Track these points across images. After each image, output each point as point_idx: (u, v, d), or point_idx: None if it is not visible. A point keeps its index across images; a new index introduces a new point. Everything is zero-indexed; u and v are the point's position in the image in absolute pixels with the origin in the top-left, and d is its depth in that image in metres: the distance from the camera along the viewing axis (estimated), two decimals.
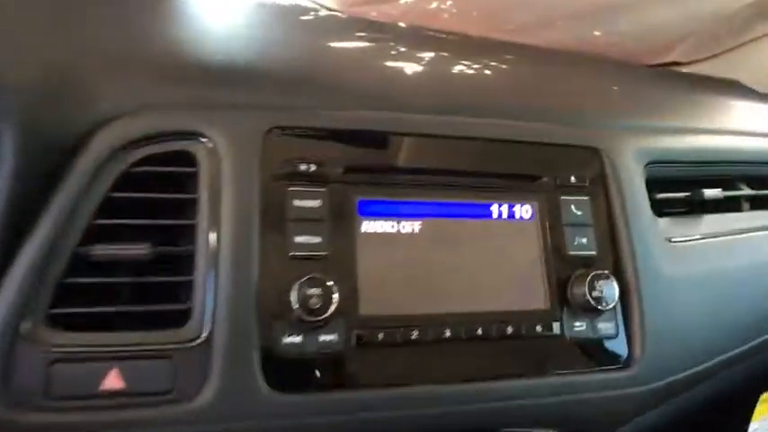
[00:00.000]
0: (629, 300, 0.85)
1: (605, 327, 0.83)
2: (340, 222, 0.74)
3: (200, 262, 0.67)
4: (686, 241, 0.94)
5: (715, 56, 1.19)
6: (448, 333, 0.79)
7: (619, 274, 0.84)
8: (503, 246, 0.81)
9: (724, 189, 0.98)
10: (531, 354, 0.80)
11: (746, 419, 1.11)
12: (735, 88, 1.19)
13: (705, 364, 0.92)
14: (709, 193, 0.97)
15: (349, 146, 0.80)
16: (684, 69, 1.21)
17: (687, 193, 0.98)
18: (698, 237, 0.95)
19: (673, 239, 0.93)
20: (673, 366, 0.88)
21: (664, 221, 0.93)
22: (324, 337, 0.70)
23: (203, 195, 0.69)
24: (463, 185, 0.83)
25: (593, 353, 0.83)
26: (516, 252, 0.82)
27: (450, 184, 0.84)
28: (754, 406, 1.11)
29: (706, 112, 1.09)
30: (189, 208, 0.68)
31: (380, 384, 0.73)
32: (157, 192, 0.67)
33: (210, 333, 0.65)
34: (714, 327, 0.93)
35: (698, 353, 0.92)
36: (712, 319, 0.93)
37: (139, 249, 0.65)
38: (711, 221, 0.98)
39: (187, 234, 0.68)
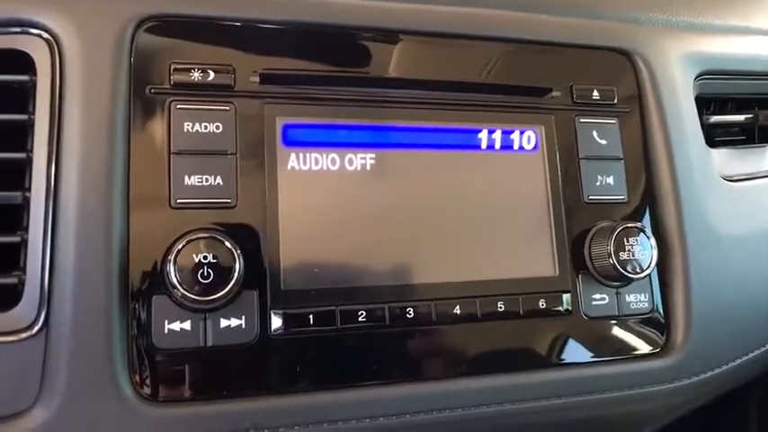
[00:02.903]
0: (670, 263, 0.68)
1: (636, 301, 0.67)
2: (253, 155, 0.57)
3: (35, 214, 0.52)
4: (748, 179, 0.78)
5: None
6: (411, 313, 0.59)
7: (657, 228, 0.68)
8: (493, 189, 0.63)
9: None
10: (532, 339, 0.63)
11: None
12: None
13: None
14: None
15: (267, 43, 0.60)
16: None
17: (749, 115, 0.83)
18: (764, 173, 0.79)
19: (731, 178, 0.76)
20: (725, 352, 0.73)
21: (719, 153, 0.77)
22: (224, 323, 0.54)
23: (41, 116, 0.53)
24: (438, 102, 0.64)
25: (619, 337, 0.66)
26: (513, 197, 0.64)
27: (419, 100, 0.63)
28: None
29: None
30: (20, 135, 0.54)
31: (312, 388, 0.57)
32: None
33: (49, 319, 0.51)
34: None
35: (759, 331, 0.77)
36: None
37: None
38: None
39: (17, 173, 0.53)
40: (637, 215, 0.68)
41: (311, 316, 0.56)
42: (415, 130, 0.62)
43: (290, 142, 0.58)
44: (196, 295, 0.52)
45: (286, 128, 0.58)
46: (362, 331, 0.57)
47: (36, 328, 0.51)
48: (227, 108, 0.57)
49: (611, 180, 0.68)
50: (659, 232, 0.68)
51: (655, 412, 0.72)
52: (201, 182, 0.55)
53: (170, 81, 0.56)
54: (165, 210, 0.54)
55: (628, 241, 0.63)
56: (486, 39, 0.66)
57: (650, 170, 0.69)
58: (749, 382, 0.88)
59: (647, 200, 0.69)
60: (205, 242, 0.52)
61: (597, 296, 0.65)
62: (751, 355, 0.75)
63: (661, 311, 0.68)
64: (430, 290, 0.60)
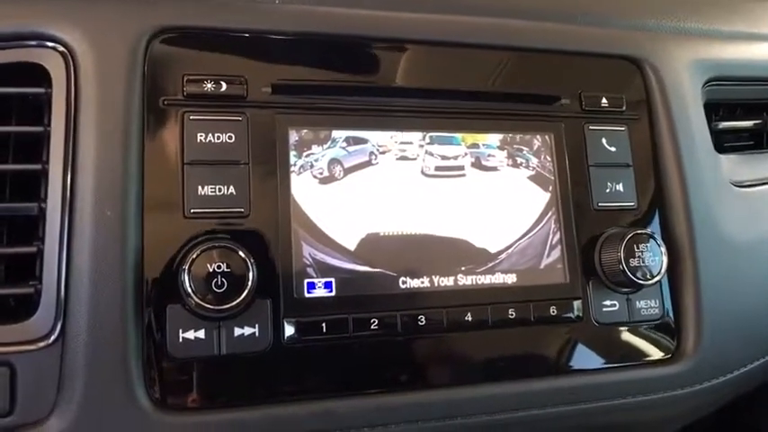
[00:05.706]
0: (680, 269, 0.68)
1: (647, 307, 0.66)
2: (265, 165, 0.58)
3: (51, 224, 0.52)
4: (758, 185, 0.77)
5: None
6: (423, 320, 0.59)
7: (667, 234, 0.68)
8: (503, 196, 0.64)
9: None
10: (543, 346, 0.63)
11: None
12: None
13: None
14: None
15: (278, 54, 0.61)
16: None
17: (758, 120, 0.82)
18: None
19: (740, 183, 0.76)
20: (736, 358, 0.72)
21: (728, 159, 0.77)
22: (237, 332, 0.54)
23: (57, 128, 0.54)
24: (450, 111, 0.64)
25: (630, 343, 0.66)
26: (522, 205, 0.64)
27: (430, 109, 0.64)
28: None
29: None
30: (36, 146, 0.54)
31: (324, 396, 0.57)
32: None
33: (65, 328, 0.51)
34: None
35: None
36: None
37: None
38: None
39: (33, 184, 0.54)
40: (646, 222, 0.68)
41: (324, 324, 0.56)
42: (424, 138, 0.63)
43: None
44: (210, 304, 0.52)
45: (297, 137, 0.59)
46: (375, 339, 0.58)
47: (52, 338, 0.51)
48: (240, 118, 0.57)
49: (620, 187, 0.67)
50: (669, 238, 0.68)
51: (666, 418, 0.72)
52: (215, 192, 0.55)
53: (183, 92, 0.56)
54: (179, 220, 0.54)
55: (638, 248, 0.63)
56: (495, 48, 0.67)
57: (659, 177, 0.69)
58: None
59: (657, 206, 0.69)
60: (219, 252, 0.52)
61: (608, 302, 0.65)
62: (763, 360, 0.74)
63: (672, 317, 0.67)
64: (441, 297, 0.60)
